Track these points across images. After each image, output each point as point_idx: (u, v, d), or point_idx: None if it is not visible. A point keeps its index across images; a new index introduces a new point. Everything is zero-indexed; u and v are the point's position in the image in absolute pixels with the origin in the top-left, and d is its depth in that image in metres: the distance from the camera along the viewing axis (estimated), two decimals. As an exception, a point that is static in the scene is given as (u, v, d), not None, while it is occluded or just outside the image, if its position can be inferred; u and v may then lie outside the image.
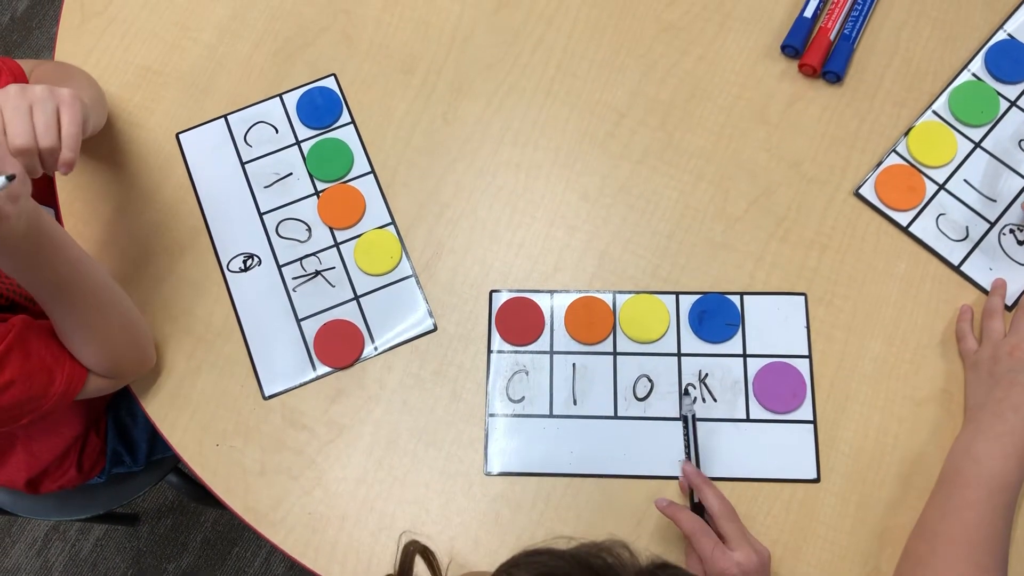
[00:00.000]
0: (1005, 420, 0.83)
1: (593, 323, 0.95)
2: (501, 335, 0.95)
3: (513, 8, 1.08)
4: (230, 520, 1.74)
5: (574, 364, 0.94)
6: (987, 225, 0.95)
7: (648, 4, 1.07)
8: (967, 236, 0.95)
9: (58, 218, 1.02)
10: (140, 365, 0.94)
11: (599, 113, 1.03)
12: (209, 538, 1.73)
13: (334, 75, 1.06)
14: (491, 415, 0.93)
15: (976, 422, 0.85)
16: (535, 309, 0.95)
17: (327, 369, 0.95)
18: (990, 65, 1.01)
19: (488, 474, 0.91)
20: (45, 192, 1.22)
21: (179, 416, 0.95)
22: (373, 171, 1.02)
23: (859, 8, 1.02)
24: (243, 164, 1.03)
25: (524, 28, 1.07)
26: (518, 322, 0.95)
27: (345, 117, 1.04)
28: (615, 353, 0.94)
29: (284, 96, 1.05)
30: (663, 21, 1.06)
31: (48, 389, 0.85)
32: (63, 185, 1.03)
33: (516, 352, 0.95)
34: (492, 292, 0.97)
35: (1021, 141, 0.98)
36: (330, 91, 1.05)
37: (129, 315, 0.91)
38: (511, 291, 0.97)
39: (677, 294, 0.96)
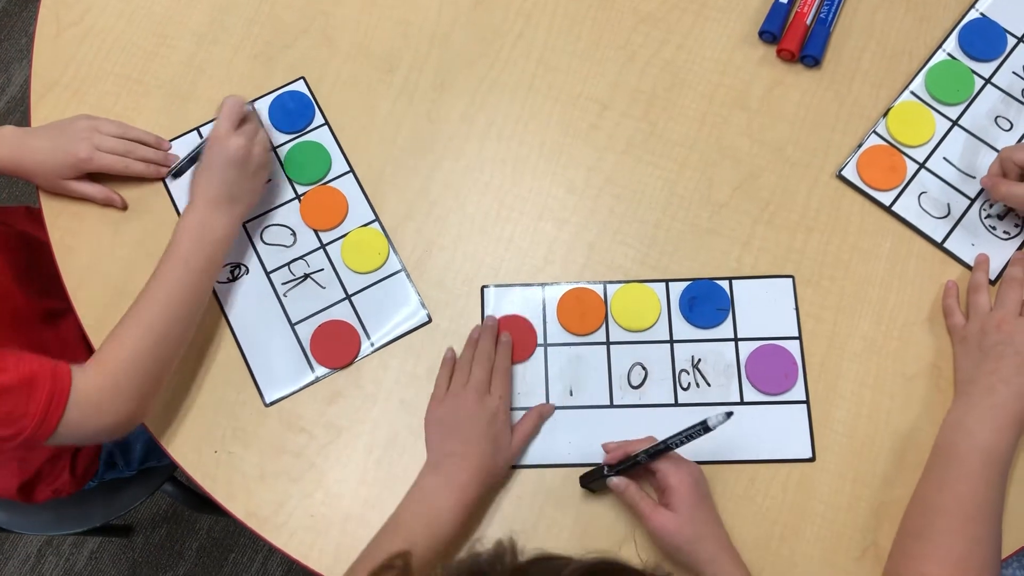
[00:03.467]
0: (996, 393, 0.84)
1: (585, 314, 0.96)
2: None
3: (491, 4, 1.08)
4: (225, 527, 1.73)
5: (569, 355, 0.95)
6: (967, 201, 0.97)
7: (625, -5, 1.08)
8: (949, 213, 0.97)
9: (44, 232, 1.02)
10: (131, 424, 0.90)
11: (581, 105, 1.04)
12: (205, 545, 1.73)
13: (303, 78, 1.06)
14: (488, 409, 0.93)
15: (967, 396, 0.87)
16: (528, 328, 0.96)
17: (326, 371, 0.95)
18: (964, 44, 1.02)
19: (488, 468, 0.92)
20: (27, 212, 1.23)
21: (177, 426, 0.95)
22: (352, 170, 1.02)
23: (834, -8, 1.04)
24: (222, 173, 1.03)
25: (503, 24, 1.08)
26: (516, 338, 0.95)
27: (318, 119, 1.04)
28: (608, 343, 0.95)
29: (255, 103, 1.05)
30: (641, 12, 1.07)
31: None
32: (47, 200, 1.03)
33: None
34: (483, 287, 0.98)
35: (997, 118, 1.00)
36: (301, 94, 1.05)
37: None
38: (499, 286, 0.97)
39: (667, 282, 0.97)
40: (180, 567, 1.72)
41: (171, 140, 1.05)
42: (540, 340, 0.95)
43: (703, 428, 0.79)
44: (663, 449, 0.82)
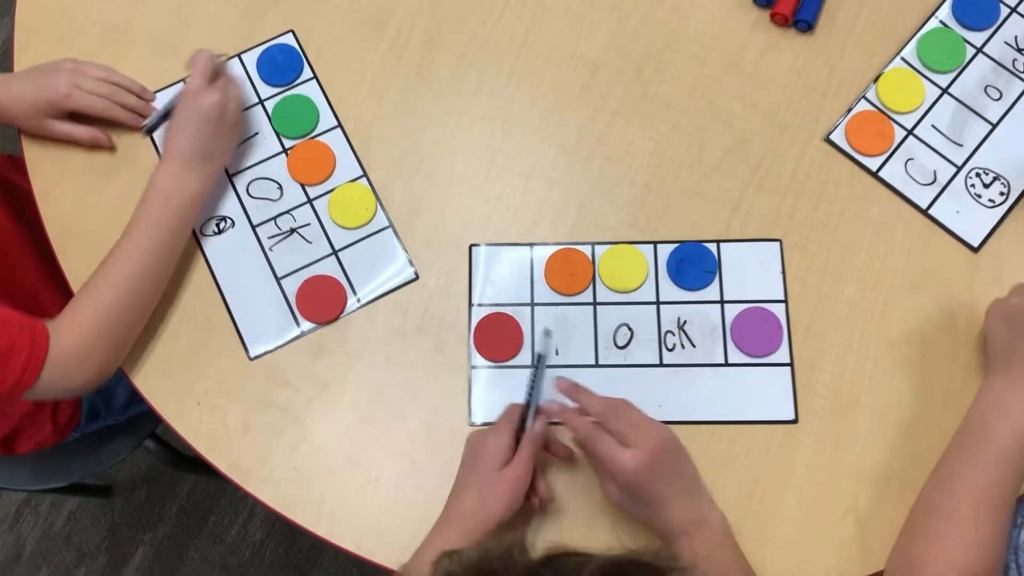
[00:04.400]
0: None
1: (573, 274, 0.96)
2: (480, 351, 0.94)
3: (484, -39, 1.07)
4: (206, 488, 1.73)
5: (555, 314, 0.95)
6: (954, 169, 0.97)
7: (620, -45, 1.07)
8: (935, 180, 0.97)
9: (28, 182, 1.00)
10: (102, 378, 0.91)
11: (574, 65, 1.03)
12: (185, 507, 1.73)
13: (292, 31, 1.05)
14: (474, 367, 0.93)
15: (1007, 374, 0.83)
16: (513, 324, 0.95)
17: (311, 325, 0.95)
18: (957, 12, 1.02)
19: (472, 425, 0.92)
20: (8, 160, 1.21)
21: (159, 377, 0.94)
22: (340, 125, 1.01)
23: (828, -43, 1.03)
24: (208, 126, 1.01)
25: (496, -19, 1.07)
26: (497, 338, 0.94)
27: (307, 73, 1.03)
28: (595, 303, 0.95)
29: (243, 56, 1.04)
30: (635, -27, 1.06)
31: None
32: (31, 147, 1.01)
33: (498, 305, 0.95)
34: (471, 246, 0.97)
35: (987, 87, 1.00)
36: (290, 47, 1.04)
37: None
38: (488, 245, 0.97)
39: (655, 244, 0.97)
40: (160, 529, 1.71)
41: (157, 92, 1.03)
42: (527, 298, 0.95)
43: (539, 359, 0.84)
44: (529, 404, 0.84)
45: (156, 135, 1.01)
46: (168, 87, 1.03)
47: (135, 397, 1.18)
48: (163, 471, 1.73)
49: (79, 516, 1.73)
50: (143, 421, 1.25)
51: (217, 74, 0.95)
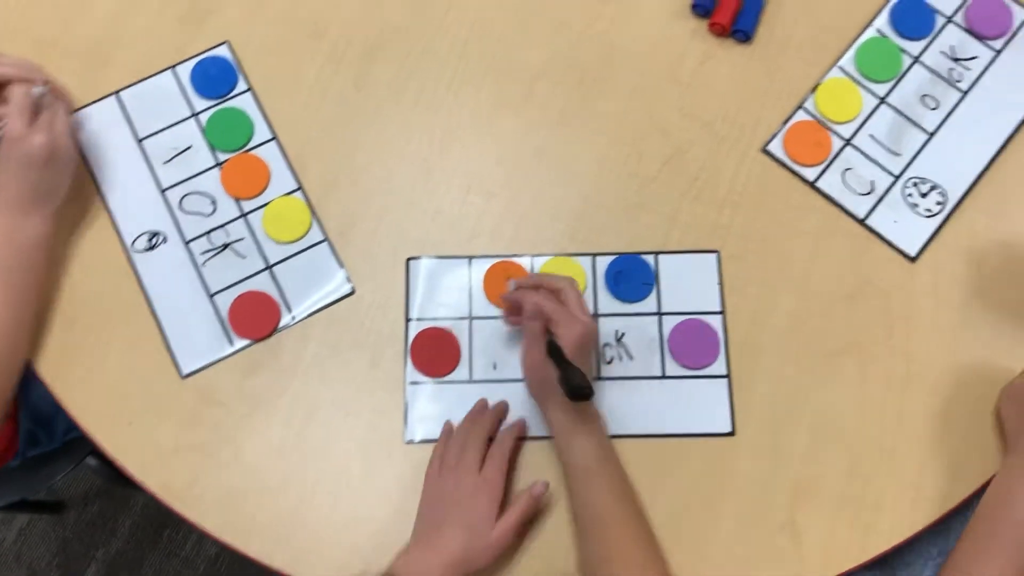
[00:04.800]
0: None
1: (511, 287, 0.95)
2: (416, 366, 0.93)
3: (423, -29, 1.06)
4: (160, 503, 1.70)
5: (493, 329, 0.94)
6: (891, 179, 0.97)
7: (560, -35, 1.06)
8: (872, 190, 0.97)
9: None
10: None
11: (514, 76, 1.03)
12: (139, 521, 1.70)
13: (227, 43, 1.03)
14: (412, 383, 0.92)
15: (1016, 455, 0.82)
16: (450, 339, 0.94)
17: (245, 342, 0.93)
18: (895, 22, 1.03)
19: (409, 442, 0.91)
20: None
21: (90, 396, 0.92)
22: (275, 137, 1.00)
23: (767, -33, 1.03)
24: (139, 141, 1.00)
25: (435, -9, 1.06)
26: (434, 352, 0.93)
27: (242, 85, 1.02)
28: (534, 316, 0.94)
29: (177, 68, 1.02)
30: (575, -18, 1.06)
31: None
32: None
33: (436, 320, 0.94)
34: (409, 259, 0.96)
35: (924, 96, 1.00)
36: (223, 60, 1.02)
37: None
38: (428, 258, 0.96)
39: (594, 256, 0.96)
40: (112, 544, 1.69)
41: (90, 104, 1.01)
42: (466, 312, 0.94)
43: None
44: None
45: None
46: (101, 99, 1.01)
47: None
48: (116, 487, 1.71)
49: (29, 533, 1.70)
50: (84, 441, 1.22)
51: (39, 109, 0.89)
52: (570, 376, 0.77)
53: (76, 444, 1.22)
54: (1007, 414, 0.87)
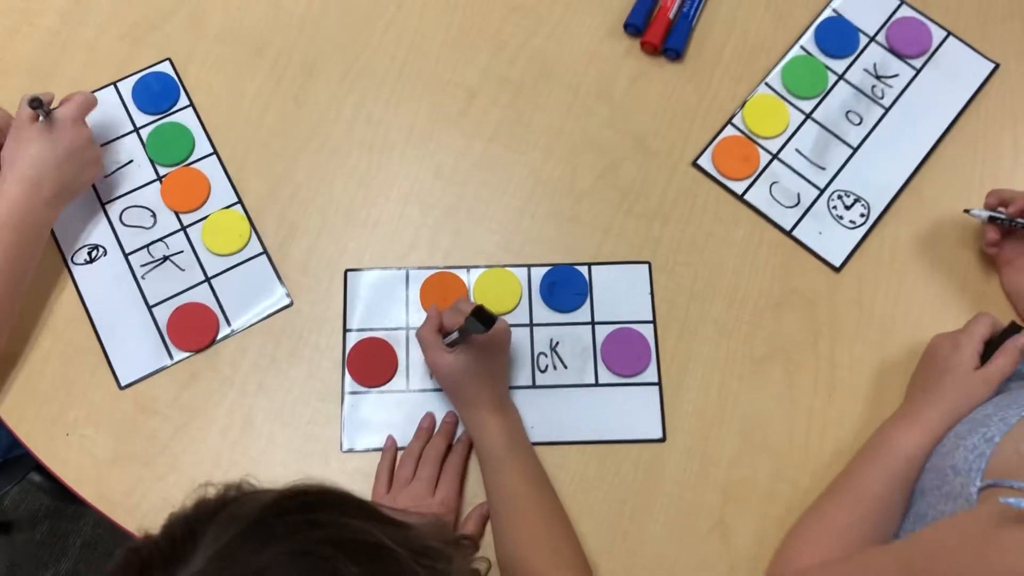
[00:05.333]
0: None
1: (447, 298, 0.96)
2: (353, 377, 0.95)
3: (363, -10, 1.09)
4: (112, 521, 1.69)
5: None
6: (817, 192, 1.01)
7: (497, -15, 1.09)
8: (798, 203, 1.00)
9: None
10: None
11: (451, 92, 1.05)
12: (89, 541, 1.69)
13: (169, 59, 1.05)
14: (350, 392, 0.94)
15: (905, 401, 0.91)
16: (387, 349, 0.95)
17: (184, 354, 0.94)
18: (820, 41, 1.06)
19: (348, 451, 0.92)
20: None
21: (27, 407, 0.93)
22: (216, 152, 1.01)
23: (697, -13, 1.07)
24: (81, 155, 1.01)
25: (375, 9, 1.08)
26: (371, 363, 0.95)
27: (183, 100, 1.03)
28: (470, 327, 0.96)
29: (119, 84, 1.04)
30: (512, 2, 1.09)
31: None
32: None
33: (372, 330, 0.96)
34: (347, 271, 0.98)
35: (848, 112, 1.04)
36: (166, 76, 1.04)
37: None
38: (366, 269, 0.97)
39: (529, 267, 0.98)
40: (62, 563, 1.67)
41: (32, 119, 1.02)
42: (403, 322, 0.96)
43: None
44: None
45: None
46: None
47: (15, 440, 1.16)
48: (66, 505, 1.70)
49: (-24, 554, 1.68)
50: (27, 458, 1.22)
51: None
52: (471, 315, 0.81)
53: (18, 462, 1.22)
54: (918, 366, 0.92)
